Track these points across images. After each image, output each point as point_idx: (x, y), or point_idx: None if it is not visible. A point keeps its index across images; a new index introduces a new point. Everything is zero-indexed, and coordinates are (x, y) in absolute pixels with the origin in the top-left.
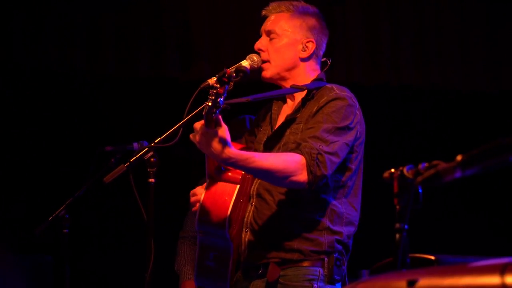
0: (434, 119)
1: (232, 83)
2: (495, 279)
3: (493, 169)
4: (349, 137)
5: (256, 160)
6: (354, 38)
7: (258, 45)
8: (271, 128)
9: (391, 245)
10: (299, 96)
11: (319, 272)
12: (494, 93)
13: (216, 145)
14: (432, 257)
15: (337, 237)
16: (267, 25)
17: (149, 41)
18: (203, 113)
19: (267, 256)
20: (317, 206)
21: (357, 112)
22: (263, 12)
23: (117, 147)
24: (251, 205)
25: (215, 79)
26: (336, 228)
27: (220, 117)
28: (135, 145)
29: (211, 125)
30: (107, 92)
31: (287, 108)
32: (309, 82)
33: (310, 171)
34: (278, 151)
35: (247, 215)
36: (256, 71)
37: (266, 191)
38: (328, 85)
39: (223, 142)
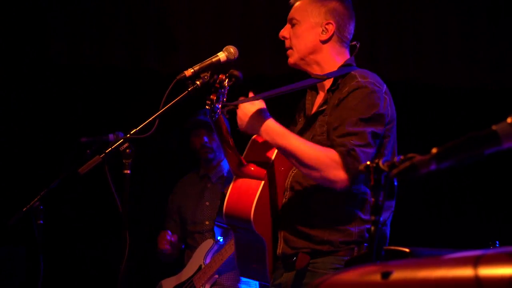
0: (411, 113)
1: (227, 87)
2: (468, 271)
3: (468, 162)
4: (379, 125)
5: (291, 137)
6: None
7: (281, 33)
8: (305, 119)
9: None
10: (329, 84)
11: None
12: (471, 87)
13: (254, 116)
14: (407, 250)
15: (368, 226)
16: (290, 13)
17: (127, 32)
18: (208, 117)
19: (299, 246)
20: (348, 197)
21: (385, 96)
22: (290, 1)
23: (93, 138)
24: (285, 198)
25: (192, 71)
26: (367, 217)
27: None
28: (111, 136)
29: (219, 128)
30: (83, 83)
31: (319, 98)
32: (335, 68)
33: (347, 169)
34: (308, 140)
35: (280, 208)
36: (232, 62)
37: (298, 183)
38: (353, 72)
39: (261, 114)
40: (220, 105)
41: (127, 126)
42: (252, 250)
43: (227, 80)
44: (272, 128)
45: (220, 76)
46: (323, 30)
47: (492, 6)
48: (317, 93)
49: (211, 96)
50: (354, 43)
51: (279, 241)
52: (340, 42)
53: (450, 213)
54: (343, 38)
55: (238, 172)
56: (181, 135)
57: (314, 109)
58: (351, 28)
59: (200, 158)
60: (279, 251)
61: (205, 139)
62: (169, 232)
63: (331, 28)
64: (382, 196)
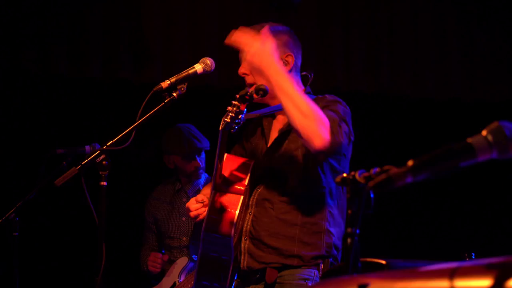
0: (386, 124)
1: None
2: (444, 283)
3: (444, 175)
4: (348, 127)
5: (297, 88)
6: (307, 42)
7: (241, 70)
8: (265, 142)
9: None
10: None
11: (314, 273)
12: (444, 99)
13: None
14: (383, 262)
15: (334, 239)
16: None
17: (102, 42)
18: (219, 129)
19: (267, 261)
20: (316, 210)
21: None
22: None
23: (69, 149)
24: (250, 214)
25: (169, 82)
26: (332, 229)
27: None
28: (87, 147)
29: (224, 138)
30: (58, 93)
31: (278, 123)
32: None
33: (332, 133)
34: (278, 158)
35: (246, 223)
36: (209, 74)
37: (265, 200)
38: (320, 96)
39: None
40: (244, 117)
41: (102, 137)
42: (218, 264)
43: (254, 94)
44: (280, 69)
45: (249, 90)
46: (284, 62)
47: (465, 18)
48: (273, 118)
49: (241, 108)
50: (305, 73)
51: (242, 256)
52: (296, 72)
53: (426, 224)
54: (297, 68)
55: (220, 186)
56: (158, 148)
57: (275, 133)
58: (300, 57)
59: (180, 174)
60: (243, 265)
61: (200, 162)
62: (160, 255)
63: (291, 59)
64: (358, 208)
